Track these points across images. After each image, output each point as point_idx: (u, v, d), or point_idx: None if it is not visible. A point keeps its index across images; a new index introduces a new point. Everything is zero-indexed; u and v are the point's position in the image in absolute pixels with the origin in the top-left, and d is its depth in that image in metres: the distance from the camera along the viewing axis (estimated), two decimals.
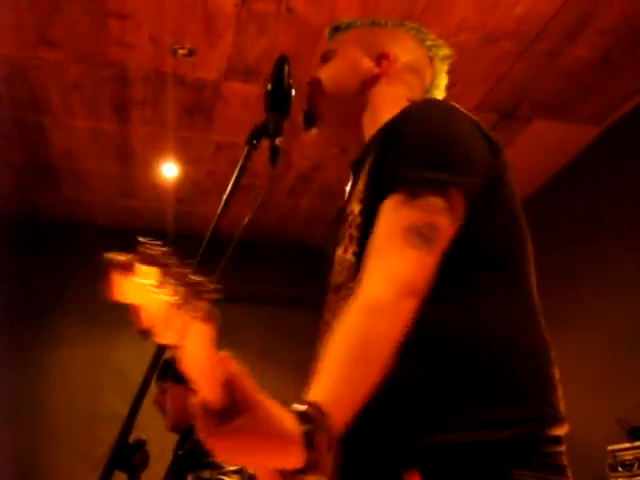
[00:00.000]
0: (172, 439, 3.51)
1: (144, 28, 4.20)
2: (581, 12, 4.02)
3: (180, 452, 3.39)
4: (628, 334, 4.54)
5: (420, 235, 1.24)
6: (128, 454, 1.42)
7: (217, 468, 3.17)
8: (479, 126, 1.46)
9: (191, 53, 4.40)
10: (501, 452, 1.22)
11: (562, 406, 1.33)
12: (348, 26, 1.83)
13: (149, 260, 0.79)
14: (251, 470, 3.17)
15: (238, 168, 1.46)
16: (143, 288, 0.80)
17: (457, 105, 1.48)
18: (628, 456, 4.01)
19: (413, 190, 1.29)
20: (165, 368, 3.36)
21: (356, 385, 1.10)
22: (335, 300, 1.46)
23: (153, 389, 3.44)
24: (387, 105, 1.65)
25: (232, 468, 3.18)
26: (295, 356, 3.36)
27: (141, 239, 0.80)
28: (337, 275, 1.48)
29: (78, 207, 6.49)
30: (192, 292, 0.84)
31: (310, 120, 1.73)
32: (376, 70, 1.71)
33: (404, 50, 1.76)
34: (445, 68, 1.82)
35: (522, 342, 1.34)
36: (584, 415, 4.70)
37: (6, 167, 5.81)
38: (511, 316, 1.35)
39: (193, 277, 0.84)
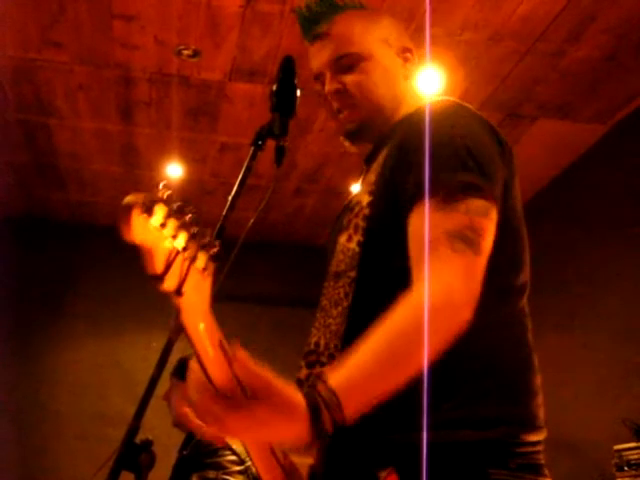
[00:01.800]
0: (178, 439, 3.52)
1: (149, 29, 4.20)
2: (585, 11, 4.01)
3: (185, 452, 3.40)
4: (634, 334, 4.53)
5: (464, 239, 1.25)
6: (135, 454, 1.42)
7: (222, 468, 3.17)
8: (495, 131, 1.47)
9: (196, 54, 4.40)
10: (479, 452, 1.24)
11: (541, 413, 1.35)
12: (328, 11, 1.73)
13: (167, 206, 0.83)
14: (254, 469, 3.18)
15: (244, 169, 1.46)
16: (156, 231, 0.83)
17: (472, 107, 1.48)
18: (634, 455, 4.00)
19: (452, 194, 1.30)
20: (181, 365, 3.39)
21: (377, 381, 1.12)
22: (334, 287, 1.47)
23: (159, 390, 3.46)
24: (406, 100, 1.66)
25: (237, 468, 3.18)
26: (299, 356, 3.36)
27: (161, 184, 0.83)
28: (338, 263, 1.48)
29: (83, 208, 6.50)
30: (196, 242, 0.87)
31: (356, 139, 1.69)
32: (408, 66, 1.69)
33: (407, 37, 1.75)
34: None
35: (505, 349, 1.36)
36: (590, 415, 4.71)
37: (11, 168, 5.82)
38: (497, 323, 1.36)
39: (200, 229, 0.87)
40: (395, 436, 1.25)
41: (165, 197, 0.84)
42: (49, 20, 4.11)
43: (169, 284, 0.87)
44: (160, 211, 0.82)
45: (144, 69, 4.56)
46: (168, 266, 0.86)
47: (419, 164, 1.37)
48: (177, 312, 0.92)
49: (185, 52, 4.38)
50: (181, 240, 0.86)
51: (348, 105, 1.67)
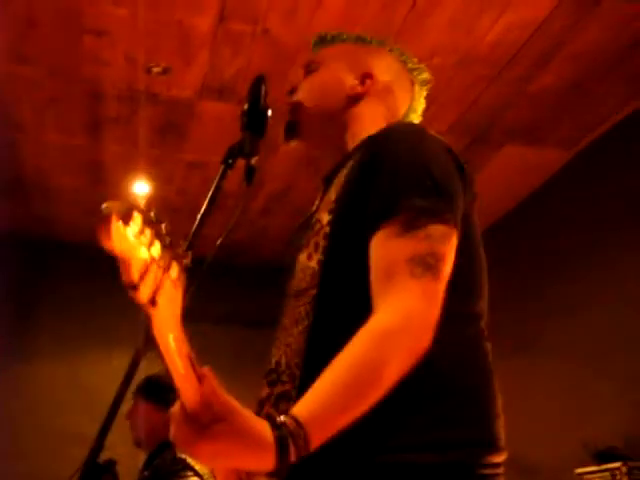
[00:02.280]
0: (139, 459, 3.48)
1: (119, 45, 4.19)
2: (553, 39, 4.07)
3: (146, 473, 3.36)
4: (594, 358, 4.57)
5: (424, 265, 1.26)
6: (98, 474, 1.40)
7: None
8: (456, 156, 1.49)
9: (165, 71, 4.39)
10: (443, 473, 1.25)
11: (503, 434, 1.36)
12: (334, 38, 1.84)
13: (144, 214, 0.83)
14: None
15: (213, 187, 1.46)
16: (133, 240, 0.83)
17: (433, 132, 1.50)
18: (595, 479, 4.03)
19: (411, 219, 1.31)
20: (145, 384, 3.36)
21: (343, 407, 1.13)
22: (295, 306, 1.47)
23: (123, 408, 3.42)
24: (366, 124, 1.68)
25: None
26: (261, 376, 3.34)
27: (133, 193, 0.85)
28: (298, 281, 1.49)
29: (48, 224, 6.44)
30: (170, 252, 0.87)
31: (292, 132, 1.75)
32: (359, 89, 1.73)
33: (387, 71, 1.78)
34: (424, 93, 1.84)
35: (468, 373, 1.37)
36: (552, 439, 4.73)
37: None
38: (460, 347, 1.38)
39: (173, 239, 0.87)
40: (366, 457, 1.26)
41: (142, 205, 0.84)
42: (18, 34, 4.08)
43: (143, 293, 0.87)
44: (137, 219, 0.83)
45: (113, 85, 4.54)
46: (143, 275, 0.86)
47: (380, 185, 1.39)
48: (148, 323, 0.92)
49: (155, 69, 4.37)
50: (156, 249, 0.86)
51: (292, 102, 1.77)
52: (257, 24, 3.98)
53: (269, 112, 1.61)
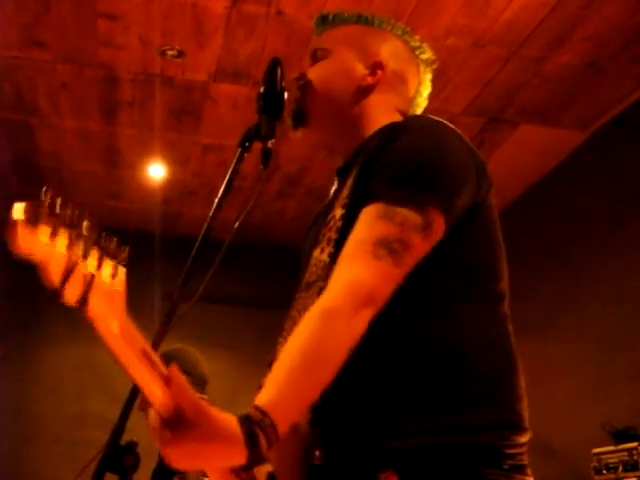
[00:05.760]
0: None
1: (133, 29, 4.19)
2: (568, 19, 4.05)
3: None
4: (611, 339, 4.57)
5: (389, 248, 1.27)
6: (120, 456, 1.42)
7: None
8: (469, 147, 1.48)
9: (180, 54, 4.39)
10: (473, 453, 1.27)
11: (527, 414, 1.38)
12: (335, 18, 1.79)
13: (57, 215, 0.80)
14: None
15: (230, 170, 1.46)
16: (46, 243, 0.80)
17: (449, 123, 1.49)
18: (612, 459, 4.03)
19: (392, 204, 1.32)
20: None
21: (300, 388, 1.17)
22: (303, 297, 1.48)
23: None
24: (378, 114, 1.66)
25: None
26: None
27: (45, 191, 0.80)
28: (310, 274, 1.49)
29: None
30: (99, 250, 0.84)
31: (299, 120, 1.72)
32: (370, 80, 1.69)
33: (395, 57, 1.75)
34: (429, 75, 1.81)
35: (492, 355, 1.38)
36: (569, 419, 4.73)
37: None
38: (483, 330, 1.39)
39: (102, 236, 0.85)
40: (394, 440, 1.27)
41: (52, 205, 0.81)
42: (33, 18, 4.09)
43: (69, 296, 0.85)
44: (49, 221, 0.80)
45: (128, 69, 4.55)
46: (66, 278, 0.83)
47: (379, 172, 1.40)
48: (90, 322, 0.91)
49: (169, 52, 4.38)
50: (79, 249, 0.83)
51: (298, 88, 1.72)
52: (271, 6, 3.97)
53: (285, 95, 1.61)
